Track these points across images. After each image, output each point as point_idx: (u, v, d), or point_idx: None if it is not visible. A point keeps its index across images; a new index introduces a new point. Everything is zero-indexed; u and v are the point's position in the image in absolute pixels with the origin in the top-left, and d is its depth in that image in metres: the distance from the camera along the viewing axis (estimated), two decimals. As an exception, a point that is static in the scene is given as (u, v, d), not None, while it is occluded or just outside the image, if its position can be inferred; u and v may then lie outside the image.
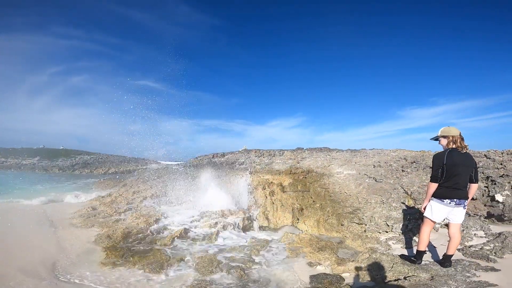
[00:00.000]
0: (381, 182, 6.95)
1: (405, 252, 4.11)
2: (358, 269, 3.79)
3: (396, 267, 3.48)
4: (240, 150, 18.47)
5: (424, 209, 3.32)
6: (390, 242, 4.49)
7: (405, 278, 3.21)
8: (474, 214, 4.33)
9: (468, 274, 2.93)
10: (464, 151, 3.05)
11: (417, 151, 10.24)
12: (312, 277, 3.85)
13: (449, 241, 3.24)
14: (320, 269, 4.17)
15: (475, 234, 3.86)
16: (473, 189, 3.19)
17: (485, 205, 4.54)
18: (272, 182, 9.84)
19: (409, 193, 6.09)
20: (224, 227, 6.73)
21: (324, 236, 5.88)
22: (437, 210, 3.14)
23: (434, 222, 3.26)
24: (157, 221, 7.35)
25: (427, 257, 3.72)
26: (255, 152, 16.36)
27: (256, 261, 4.79)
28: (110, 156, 41.35)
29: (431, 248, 3.96)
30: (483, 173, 5.48)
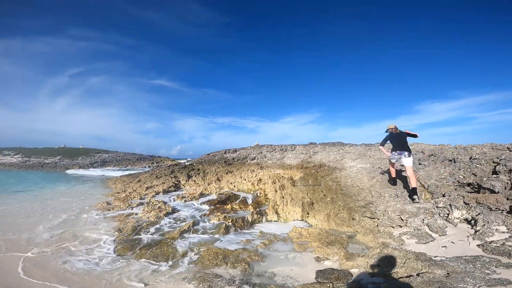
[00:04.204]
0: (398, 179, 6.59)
1: (419, 247, 3.84)
2: (367, 264, 3.58)
3: (408, 262, 3.26)
4: (252, 145, 18.40)
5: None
6: (404, 237, 4.22)
7: (418, 274, 2.98)
8: (496, 208, 3.96)
9: (487, 271, 2.66)
10: (398, 132, 5.96)
11: (435, 145, 9.66)
12: (319, 272, 3.69)
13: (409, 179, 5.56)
14: (327, 264, 4.00)
15: (496, 229, 3.53)
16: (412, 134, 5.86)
17: (507, 199, 4.15)
18: (282, 176, 9.68)
19: (426, 186, 5.73)
20: (233, 221, 6.68)
21: (334, 230, 5.67)
22: (391, 158, 5.92)
23: (393, 164, 6.09)
24: (167, 214, 7.45)
25: (444, 252, 3.45)
26: (267, 147, 16.23)
27: (262, 254, 4.69)
28: (127, 154, 42.84)
29: (449, 244, 3.68)
30: (505, 165, 5.03)
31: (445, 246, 3.60)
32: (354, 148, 12.11)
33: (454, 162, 6.24)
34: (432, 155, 7.42)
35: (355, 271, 3.59)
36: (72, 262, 4.32)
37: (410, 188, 5.45)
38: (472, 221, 4.07)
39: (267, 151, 14.79)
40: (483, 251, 3.25)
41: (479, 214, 4.05)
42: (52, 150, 43.91)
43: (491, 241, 3.36)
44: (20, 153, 41.43)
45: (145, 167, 28.98)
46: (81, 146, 49.08)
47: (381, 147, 6.26)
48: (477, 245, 3.41)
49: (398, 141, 5.81)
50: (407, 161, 5.54)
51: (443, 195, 5.10)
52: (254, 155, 14.48)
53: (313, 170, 9.98)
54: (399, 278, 2.97)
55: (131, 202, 8.98)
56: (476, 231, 3.77)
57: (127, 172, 21.49)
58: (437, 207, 4.87)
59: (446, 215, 4.55)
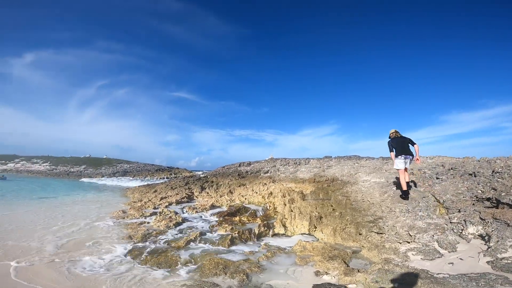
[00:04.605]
0: (409, 190, 6.28)
1: (424, 264, 3.59)
2: (366, 280, 3.41)
3: (408, 279, 3.07)
4: (267, 159, 18.44)
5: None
6: (409, 253, 3.97)
7: (416, 292, 2.80)
8: (517, 224, 3.63)
9: (491, 291, 2.44)
10: (399, 136, 6.18)
11: (458, 158, 9.07)
12: (315, 287, 3.57)
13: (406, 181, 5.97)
14: (326, 278, 3.86)
15: (511, 245, 3.21)
16: (416, 148, 5.95)
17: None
18: (293, 190, 9.57)
19: (441, 201, 5.38)
20: (239, 233, 6.68)
21: (339, 245, 5.46)
22: (398, 163, 5.92)
23: (402, 170, 5.90)
24: (176, 224, 7.64)
25: (449, 269, 3.21)
26: (281, 160, 16.19)
27: (262, 267, 4.63)
28: (147, 165, 44.65)
29: (457, 260, 3.41)
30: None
31: (452, 263, 3.35)
32: (370, 162, 11.71)
33: (474, 176, 5.83)
34: (452, 168, 6.99)
35: (352, 287, 3.43)
36: (81, 265, 4.57)
37: (402, 190, 5.99)
38: (486, 237, 3.75)
39: (281, 165, 14.74)
40: (492, 268, 2.97)
41: (494, 230, 3.73)
42: (78, 160, 46.82)
43: (503, 258, 3.06)
44: (48, 162, 44.51)
45: (164, 178, 29.97)
46: (105, 156, 51.98)
47: (392, 153, 6.13)
48: (486, 262, 3.13)
49: (402, 145, 5.95)
50: (406, 164, 5.89)
51: (459, 211, 4.77)
52: (268, 168, 14.49)
53: (325, 184, 9.77)
54: (394, 295, 2.81)
55: (145, 211, 9.33)
56: (488, 248, 3.47)
57: (145, 183, 22.34)
58: (450, 222, 4.55)
59: (460, 231, 4.23)
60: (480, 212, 4.27)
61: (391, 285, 3.08)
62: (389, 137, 6.25)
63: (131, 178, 33.95)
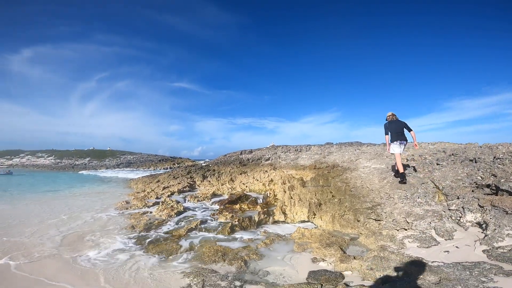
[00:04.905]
0: (408, 176, 6.24)
1: (419, 251, 3.62)
2: (361, 267, 3.46)
3: (402, 267, 3.10)
4: (268, 146, 18.42)
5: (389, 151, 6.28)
6: (406, 241, 3.99)
7: (409, 278, 2.82)
8: (514, 211, 3.59)
9: (483, 279, 2.44)
10: (396, 119, 6.17)
11: (460, 144, 8.93)
12: (311, 273, 3.64)
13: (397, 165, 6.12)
14: (322, 265, 3.92)
15: (508, 234, 3.19)
16: (412, 134, 6.03)
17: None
18: (293, 177, 9.59)
19: (440, 187, 5.35)
20: (239, 221, 6.77)
21: (338, 232, 5.52)
22: (394, 147, 6.06)
23: (398, 154, 6.05)
24: (178, 213, 7.77)
25: (444, 258, 3.22)
26: (282, 148, 16.16)
27: (261, 253, 4.72)
28: (150, 156, 45.01)
29: (453, 248, 3.42)
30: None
31: (448, 251, 3.36)
32: (371, 148, 11.62)
33: (475, 162, 5.74)
34: (453, 154, 6.90)
35: (347, 274, 3.49)
36: (82, 256, 4.68)
37: (400, 173, 6.03)
38: (484, 225, 3.73)
39: (282, 152, 14.72)
40: (487, 257, 2.97)
41: (492, 217, 3.71)
42: (82, 152, 47.32)
43: (499, 247, 3.06)
44: (53, 155, 45.07)
45: (167, 168, 30.24)
46: (108, 148, 52.37)
47: (387, 136, 6.20)
48: (482, 251, 3.13)
49: (397, 128, 5.97)
50: (401, 149, 6.01)
51: (458, 197, 4.74)
52: (269, 155, 14.50)
53: (326, 171, 9.77)
54: (387, 283, 2.84)
55: (148, 202, 9.48)
56: (485, 236, 3.46)
57: (148, 173, 22.55)
58: (449, 209, 4.54)
59: (458, 218, 4.22)
60: (478, 199, 4.23)
61: (386, 272, 3.11)
62: (386, 120, 6.26)
63: (135, 169, 34.31)
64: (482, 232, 3.61)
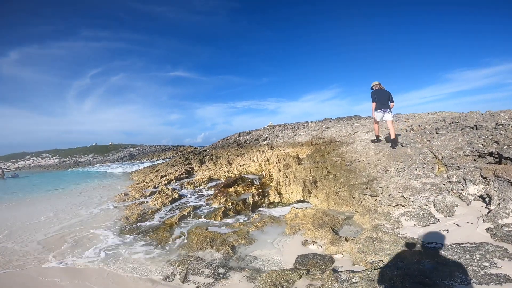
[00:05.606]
0: (405, 147, 5.87)
1: (416, 231, 3.35)
2: (352, 250, 3.23)
3: (395, 249, 2.85)
4: (266, 126, 18.00)
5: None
6: (402, 218, 3.73)
7: (402, 263, 2.57)
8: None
9: (485, 264, 2.17)
10: (382, 89, 6.36)
11: (461, 112, 8.41)
12: (299, 257, 3.44)
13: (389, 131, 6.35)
14: (312, 248, 3.71)
15: (513, 208, 2.88)
16: (391, 105, 6.29)
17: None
18: (289, 155, 9.30)
19: (440, 157, 4.99)
20: (233, 204, 6.60)
21: (333, 210, 5.29)
22: (377, 115, 6.33)
23: (377, 122, 6.70)
24: (173, 201, 7.64)
25: (444, 238, 2.94)
26: (279, 126, 15.75)
27: (250, 238, 4.55)
28: (153, 146, 44.97)
29: (454, 227, 3.14)
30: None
31: (447, 230, 3.08)
32: (369, 121, 11.15)
33: (476, 129, 5.32)
34: (453, 123, 6.45)
35: (338, 257, 3.27)
36: (73, 256, 4.52)
37: (391, 139, 6.30)
38: (487, 199, 3.42)
39: (279, 131, 14.34)
40: (491, 236, 2.68)
41: (496, 190, 3.38)
42: (85, 149, 47.45)
43: (504, 224, 2.75)
44: (57, 155, 45.30)
45: (169, 157, 30.17)
46: (110, 143, 52.32)
47: (373, 104, 6.33)
48: (486, 229, 2.83)
49: (383, 97, 6.22)
50: (389, 116, 6.23)
51: (459, 168, 4.39)
52: (266, 135, 14.15)
53: (323, 146, 9.42)
54: (380, 267, 2.60)
55: (145, 192, 9.37)
56: (489, 211, 3.15)
57: (149, 164, 22.47)
58: (449, 181, 4.21)
59: (460, 191, 3.91)
60: (481, 169, 3.88)
61: (378, 256, 2.88)
62: (371, 88, 6.45)
63: (138, 161, 34.30)
64: (485, 207, 3.31)
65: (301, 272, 2.97)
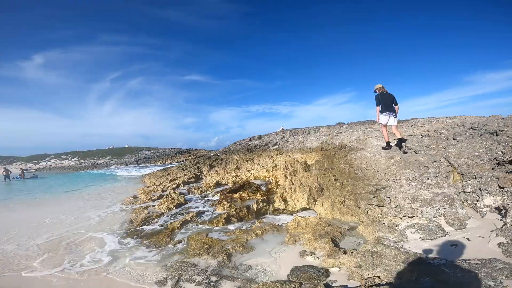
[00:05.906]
0: (419, 154, 5.51)
1: (421, 245, 3.07)
2: (350, 264, 3.01)
3: (394, 265, 2.60)
4: (277, 131, 17.85)
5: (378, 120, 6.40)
6: (408, 231, 3.44)
7: (399, 280, 2.34)
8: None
9: (490, 283, 1.90)
10: (386, 92, 6.34)
11: (482, 117, 7.83)
12: (294, 269, 3.26)
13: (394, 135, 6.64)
14: (309, 260, 3.52)
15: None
16: (396, 108, 6.29)
17: None
18: (297, 161, 9.08)
19: (456, 166, 4.61)
20: (236, 211, 6.50)
21: (337, 220, 5.04)
22: (383, 118, 6.24)
23: (385, 125, 6.45)
24: (178, 206, 7.66)
25: (450, 253, 2.67)
26: (290, 131, 15.54)
27: (248, 246, 4.41)
28: (167, 150, 45.96)
29: (464, 241, 2.84)
30: None
31: (455, 245, 2.78)
32: (383, 125, 10.66)
33: (496, 135, 4.88)
34: (472, 128, 5.99)
35: (334, 271, 3.06)
36: (75, 263, 4.59)
37: (397, 139, 6.48)
38: (503, 211, 3.08)
39: (290, 135, 14.13)
40: (502, 252, 2.38)
41: (514, 201, 3.04)
42: (103, 152, 49.32)
43: (518, 238, 2.45)
44: (76, 157, 47.39)
45: (183, 160, 30.64)
46: (127, 146, 54.15)
47: (378, 107, 6.33)
48: (498, 244, 2.53)
49: (387, 100, 6.22)
50: (394, 121, 6.24)
51: (475, 177, 4.03)
52: (276, 140, 13.99)
53: (332, 152, 9.12)
54: (372, 285, 2.38)
55: (153, 195, 9.50)
56: (504, 225, 2.83)
57: (162, 167, 22.90)
58: (463, 191, 3.87)
59: (475, 202, 3.57)
60: (499, 179, 3.52)
61: (375, 271, 2.64)
62: (374, 91, 6.45)
63: (152, 164, 35.08)
64: (500, 220, 2.97)
65: (293, 286, 2.80)
